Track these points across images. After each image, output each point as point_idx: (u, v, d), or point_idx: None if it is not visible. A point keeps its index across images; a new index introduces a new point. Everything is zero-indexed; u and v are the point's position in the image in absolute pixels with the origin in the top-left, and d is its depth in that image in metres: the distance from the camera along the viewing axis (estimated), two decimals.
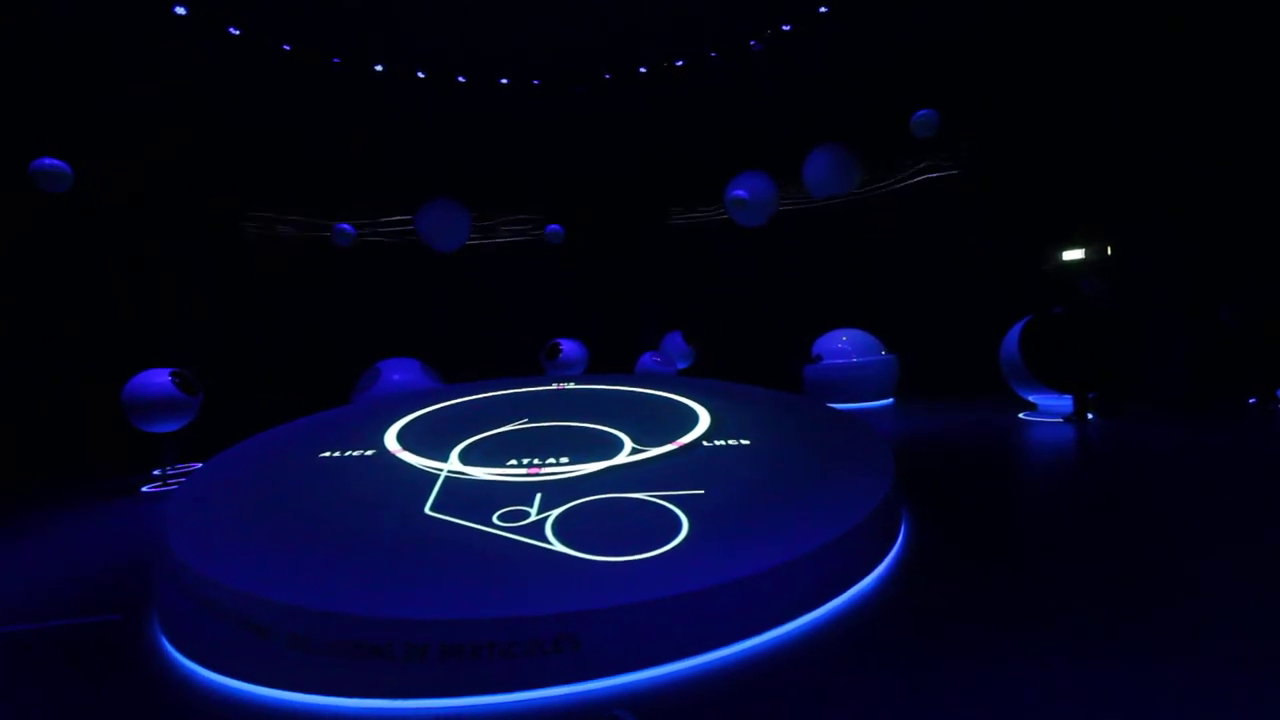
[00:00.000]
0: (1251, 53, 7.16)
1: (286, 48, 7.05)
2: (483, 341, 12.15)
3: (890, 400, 10.21)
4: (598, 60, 8.06)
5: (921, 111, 8.10)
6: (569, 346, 10.57)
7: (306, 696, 2.52)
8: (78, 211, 8.26)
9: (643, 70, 8.15)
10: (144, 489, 6.80)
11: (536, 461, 3.97)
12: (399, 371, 9.34)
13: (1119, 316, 7.37)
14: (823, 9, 6.98)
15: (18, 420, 8.43)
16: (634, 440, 4.30)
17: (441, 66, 7.90)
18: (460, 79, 8.02)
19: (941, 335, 10.73)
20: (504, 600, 2.60)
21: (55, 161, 6.73)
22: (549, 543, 3.00)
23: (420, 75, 7.81)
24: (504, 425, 4.82)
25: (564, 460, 3.96)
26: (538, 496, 3.46)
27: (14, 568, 4.50)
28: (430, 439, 4.51)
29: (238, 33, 6.67)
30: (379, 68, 7.56)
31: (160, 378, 6.95)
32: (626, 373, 9.33)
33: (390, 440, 4.53)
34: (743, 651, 2.67)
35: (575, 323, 11.70)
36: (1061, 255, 9.48)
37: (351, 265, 11.27)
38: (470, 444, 4.38)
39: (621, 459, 4.01)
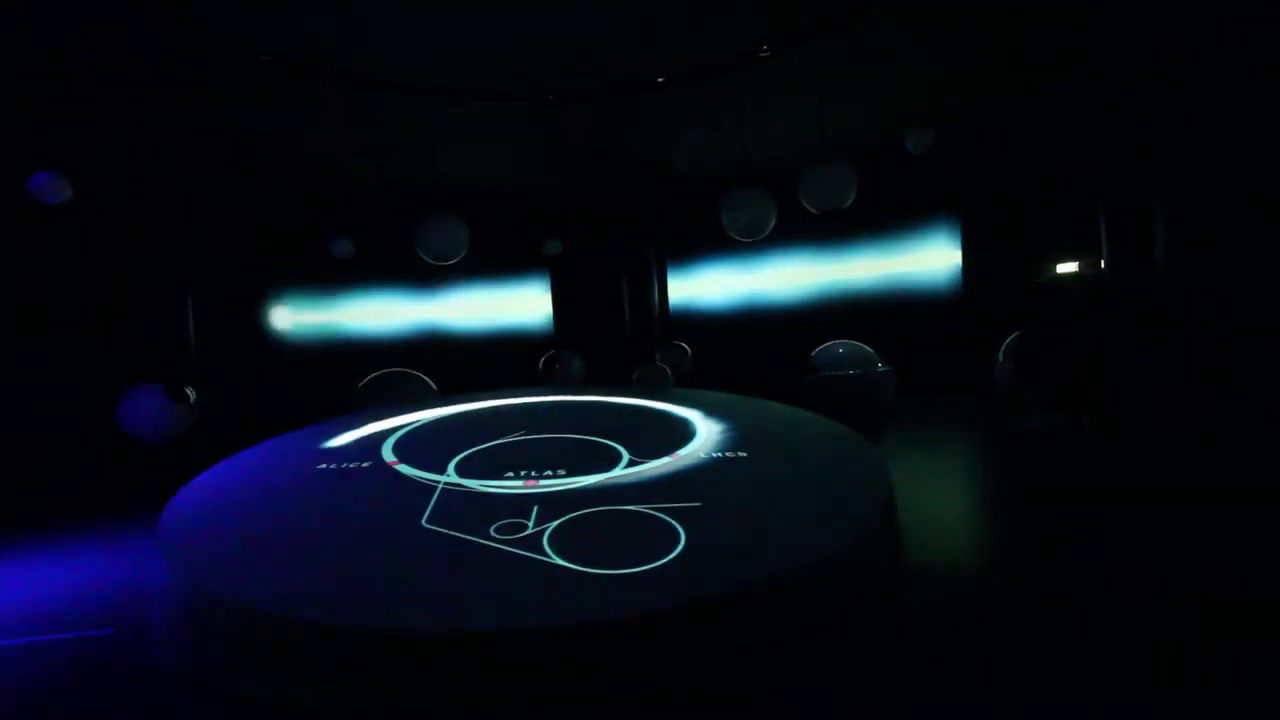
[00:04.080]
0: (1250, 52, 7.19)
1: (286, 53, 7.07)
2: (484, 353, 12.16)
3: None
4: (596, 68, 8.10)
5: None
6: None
7: (303, 707, 2.49)
8: (74, 217, 8.23)
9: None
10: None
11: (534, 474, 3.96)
12: None
13: (1117, 326, 7.40)
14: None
15: (15, 430, 8.36)
16: (631, 453, 4.29)
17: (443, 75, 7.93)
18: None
19: (939, 347, 10.77)
20: (500, 613, 2.58)
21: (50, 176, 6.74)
22: (546, 556, 2.98)
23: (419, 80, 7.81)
24: (503, 437, 4.81)
25: (561, 473, 3.95)
26: (534, 509, 3.45)
27: (9, 583, 4.45)
28: (427, 451, 4.50)
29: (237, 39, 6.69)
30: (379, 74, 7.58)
31: (150, 396, 6.88)
32: (625, 384, 9.32)
33: (386, 452, 4.51)
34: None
35: (574, 334, 11.70)
36: (1055, 267, 9.54)
37: (351, 270, 11.26)
38: (467, 456, 4.37)
39: (619, 472, 3.99)
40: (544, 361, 10.63)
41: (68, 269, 8.81)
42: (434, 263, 8.38)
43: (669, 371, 10.59)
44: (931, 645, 2.82)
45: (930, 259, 11.50)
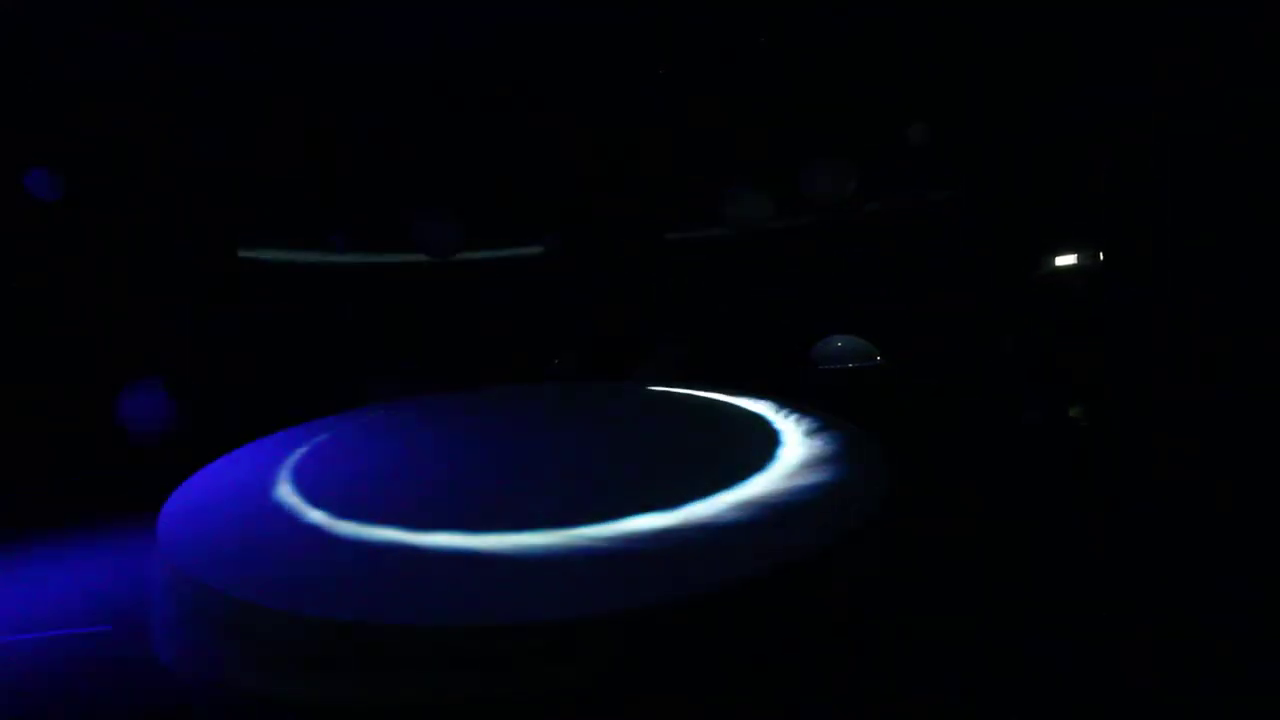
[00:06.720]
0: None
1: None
2: (480, 353, 12.11)
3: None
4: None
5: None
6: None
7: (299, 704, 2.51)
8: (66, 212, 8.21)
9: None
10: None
11: None
12: None
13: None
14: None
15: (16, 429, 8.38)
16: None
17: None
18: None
19: (936, 340, 10.75)
20: (499, 607, 2.59)
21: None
22: None
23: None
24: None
25: None
26: None
27: (10, 578, 4.47)
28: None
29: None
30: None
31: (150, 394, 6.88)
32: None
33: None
34: None
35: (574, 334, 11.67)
36: (1054, 260, 9.51)
37: (347, 273, 11.22)
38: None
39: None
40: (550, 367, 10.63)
41: (67, 268, 8.82)
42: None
43: (667, 365, 10.60)
44: (926, 639, 2.83)
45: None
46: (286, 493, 3.90)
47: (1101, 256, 8.78)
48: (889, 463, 4.11)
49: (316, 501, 3.69)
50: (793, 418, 5.22)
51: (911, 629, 2.89)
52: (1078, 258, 9.24)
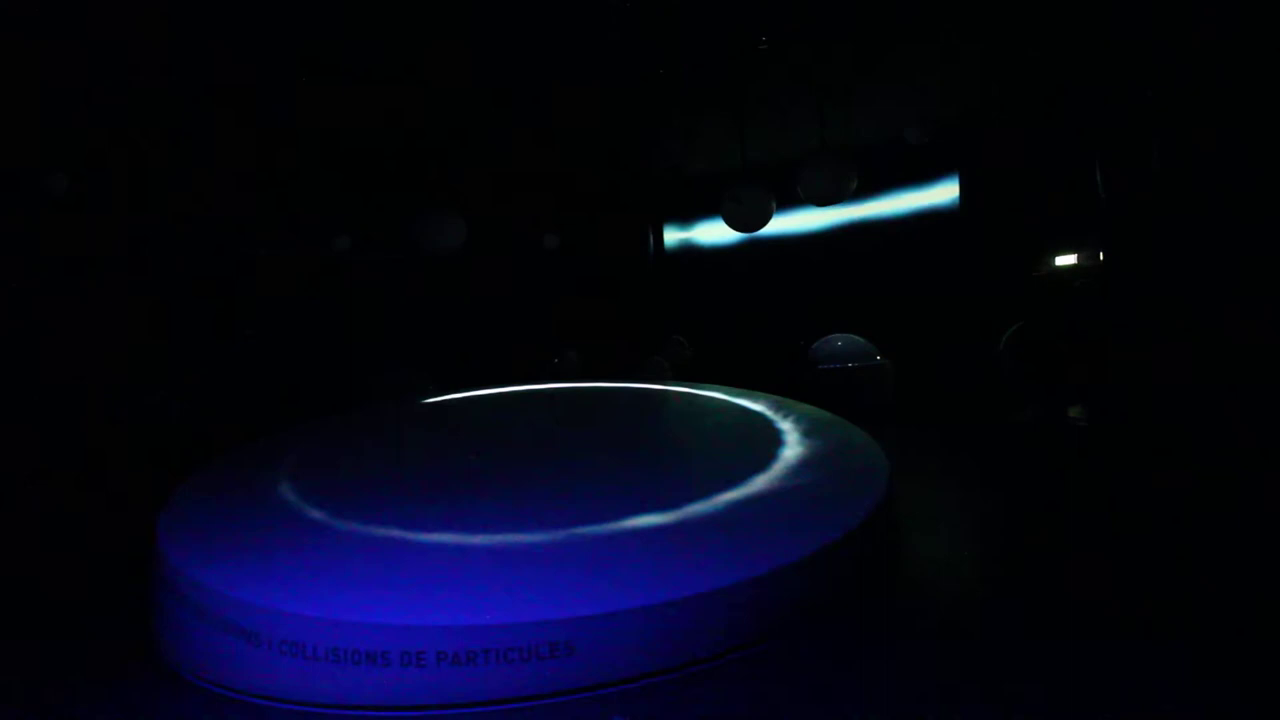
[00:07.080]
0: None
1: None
2: (481, 353, 12.13)
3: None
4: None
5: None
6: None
7: (300, 705, 2.51)
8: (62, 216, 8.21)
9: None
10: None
11: None
12: None
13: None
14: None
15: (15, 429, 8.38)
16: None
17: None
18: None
19: (937, 339, 10.77)
20: (501, 606, 2.60)
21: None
22: None
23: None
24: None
25: None
26: None
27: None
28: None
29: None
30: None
31: None
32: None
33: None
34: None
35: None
36: (1054, 260, 9.53)
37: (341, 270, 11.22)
38: None
39: None
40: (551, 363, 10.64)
41: (68, 268, 8.82)
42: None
43: (666, 364, 10.62)
44: (924, 639, 2.84)
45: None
46: (287, 491, 3.92)
47: (1101, 256, 8.78)
48: (889, 463, 4.11)
49: (317, 501, 3.70)
50: (792, 417, 5.23)
51: (912, 628, 2.90)
52: (1078, 258, 9.24)
